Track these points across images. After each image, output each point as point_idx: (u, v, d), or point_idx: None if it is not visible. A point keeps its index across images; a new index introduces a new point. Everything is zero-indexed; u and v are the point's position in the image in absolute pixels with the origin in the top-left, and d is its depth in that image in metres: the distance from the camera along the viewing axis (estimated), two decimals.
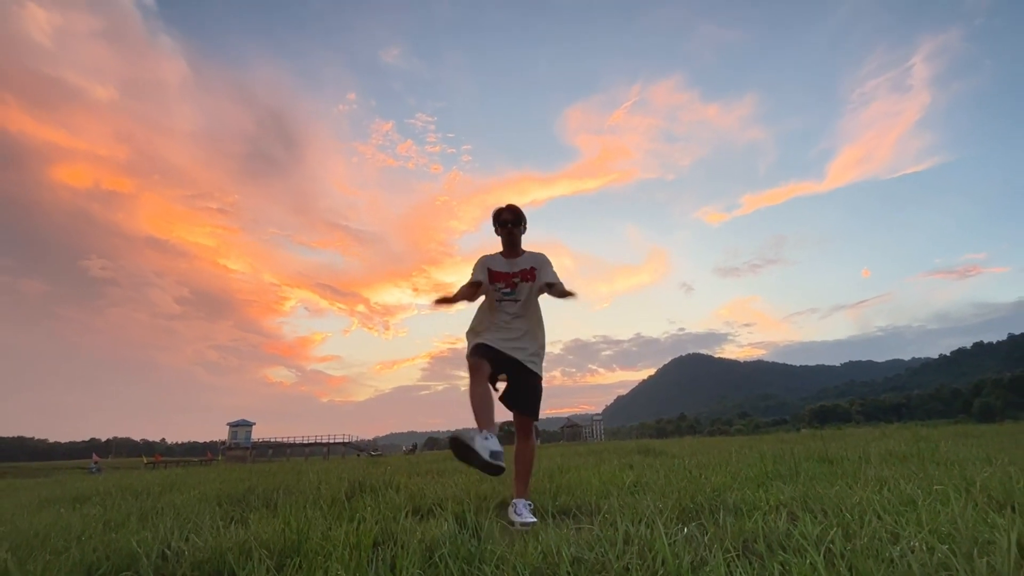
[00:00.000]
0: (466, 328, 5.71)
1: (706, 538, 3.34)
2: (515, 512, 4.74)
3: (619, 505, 4.70)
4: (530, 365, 5.32)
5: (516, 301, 5.51)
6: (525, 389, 5.32)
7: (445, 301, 5.39)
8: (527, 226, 5.85)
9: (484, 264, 5.68)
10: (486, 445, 4.27)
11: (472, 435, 4.34)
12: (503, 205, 5.77)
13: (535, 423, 5.40)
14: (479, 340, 5.35)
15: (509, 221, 5.66)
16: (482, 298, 5.70)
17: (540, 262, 5.64)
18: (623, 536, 3.35)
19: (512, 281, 5.55)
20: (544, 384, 5.39)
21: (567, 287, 5.28)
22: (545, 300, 5.49)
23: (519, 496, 4.96)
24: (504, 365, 5.28)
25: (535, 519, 4.60)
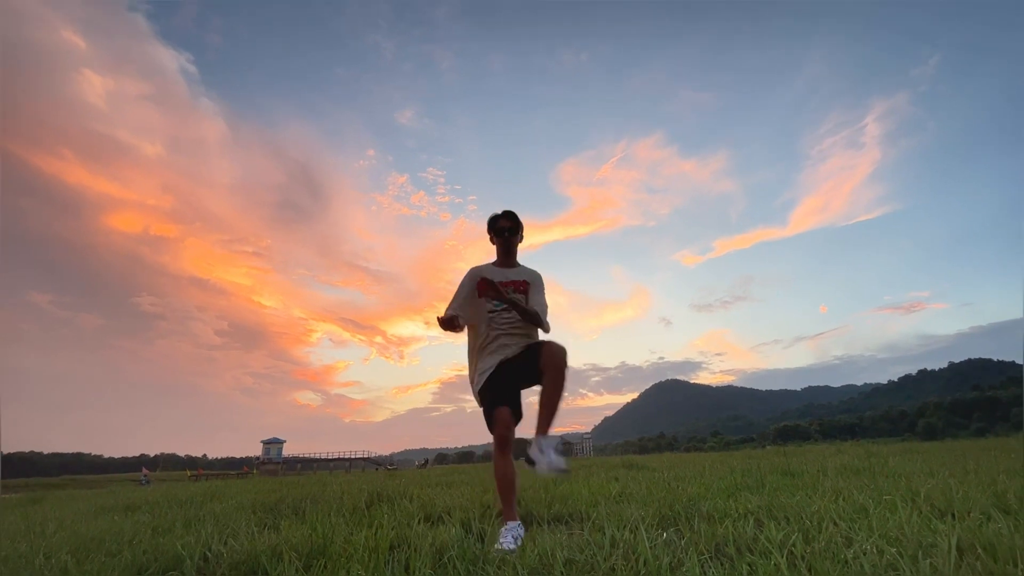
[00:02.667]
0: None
1: (683, 542, 3.34)
2: (540, 450, 3.89)
3: (606, 513, 4.65)
4: (534, 339, 4.68)
5: (508, 311, 4.70)
6: (535, 345, 4.51)
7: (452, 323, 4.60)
8: (523, 235, 5.07)
9: (475, 275, 4.79)
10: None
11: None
12: (499, 212, 4.97)
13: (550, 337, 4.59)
14: (485, 372, 4.58)
15: (507, 229, 4.90)
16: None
17: (535, 279, 4.95)
18: (610, 540, 3.35)
19: (503, 292, 4.58)
20: None
21: (548, 321, 4.76)
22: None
23: (543, 433, 4.04)
24: (518, 382, 4.52)
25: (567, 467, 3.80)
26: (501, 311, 4.72)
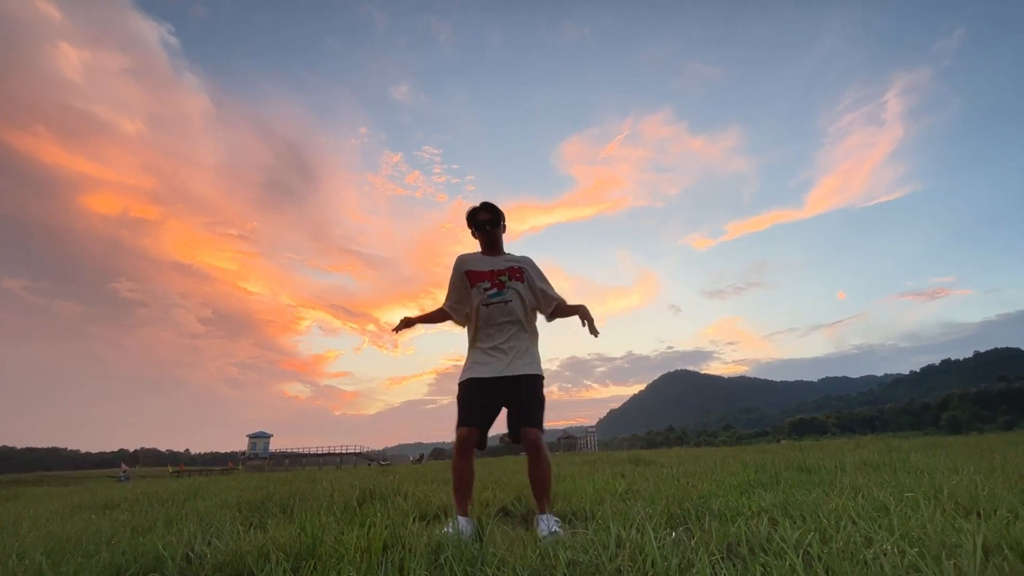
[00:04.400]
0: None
1: (693, 542, 3.33)
2: (542, 526, 4.09)
3: (612, 511, 4.65)
4: (529, 369, 4.62)
5: (507, 303, 4.71)
6: (528, 398, 4.51)
7: (407, 323, 4.98)
8: (506, 225, 5.02)
9: (461, 266, 4.89)
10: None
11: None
12: (476, 204, 4.95)
13: (542, 433, 4.48)
14: (468, 375, 4.67)
15: (488, 222, 4.87)
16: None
17: (529, 263, 4.95)
18: (615, 540, 3.34)
19: (498, 280, 4.76)
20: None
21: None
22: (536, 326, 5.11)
23: (543, 512, 4.34)
24: (497, 401, 4.58)
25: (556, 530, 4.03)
26: (496, 302, 4.73)
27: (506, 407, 4.56)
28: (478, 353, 4.74)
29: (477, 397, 4.56)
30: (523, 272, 4.86)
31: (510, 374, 4.57)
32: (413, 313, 5.26)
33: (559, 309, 4.89)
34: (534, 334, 4.95)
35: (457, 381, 4.77)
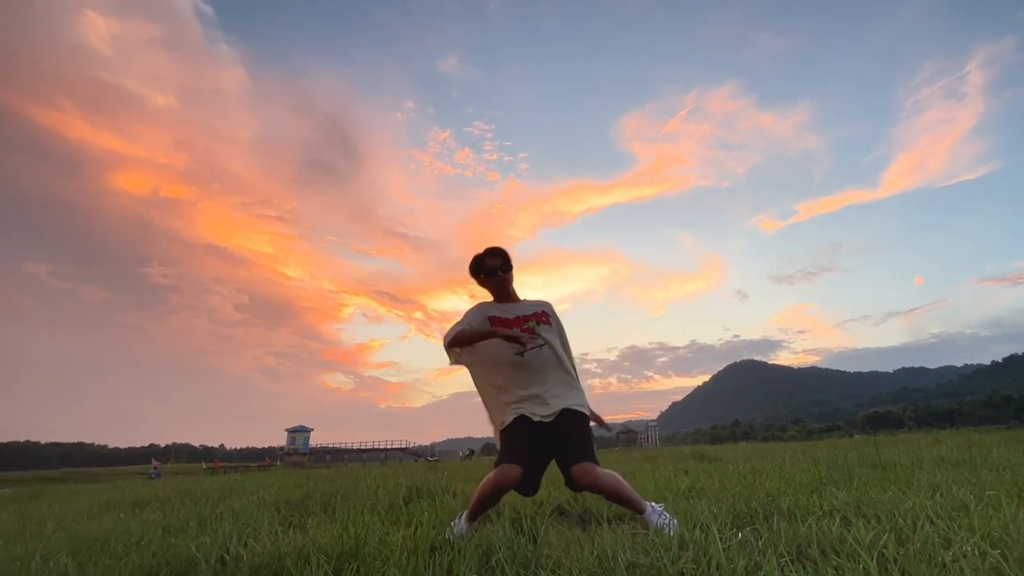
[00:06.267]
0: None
1: (760, 543, 3.38)
2: (652, 519, 4.12)
3: (674, 510, 4.65)
4: (575, 407, 4.47)
5: (541, 347, 4.56)
6: (576, 434, 4.34)
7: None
8: (513, 274, 4.88)
9: (483, 311, 4.78)
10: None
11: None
12: (481, 251, 4.81)
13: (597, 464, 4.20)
14: (517, 413, 4.49)
15: (497, 268, 4.74)
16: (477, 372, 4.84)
17: (551, 309, 4.88)
18: (678, 541, 3.36)
19: (526, 325, 4.65)
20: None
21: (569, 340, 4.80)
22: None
23: (643, 511, 4.21)
24: (546, 456, 4.44)
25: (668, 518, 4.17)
26: (532, 348, 4.57)
27: (555, 457, 4.42)
28: (520, 401, 4.57)
29: (526, 436, 4.39)
30: (547, 316, 4.80)
31: (559, 408, 4.45)
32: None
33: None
34: (575, 377, 4.81)
35: (495, 428, 4.73)
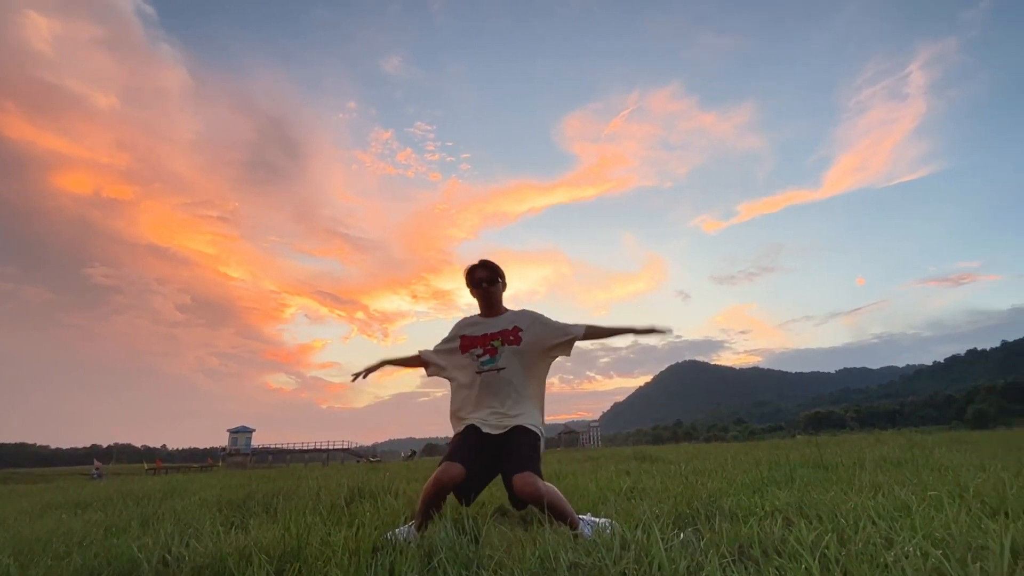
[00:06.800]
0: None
1: (702, 543, 3.32)
2: (586, 531, 3.91)
3: (616, 510, 4.67)
4: (529, 426, 4.52)
5: (499, 370, 4.64)
6: (523, 447, 4.35)
7: (371, 370, 5.07)
8: (506, 282, 5.00)
9: (458, 330, 4.98)
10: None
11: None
12: (475, 262, 4.94)
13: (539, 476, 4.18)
14: (464, 423, 4.63)
15: (484, 280, 4.84)
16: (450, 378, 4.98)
17: (529, 320, 4.86)
18: (620, 541, 3.31)
19: (491, 345, 4.73)
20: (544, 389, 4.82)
21: (580, 324, 4.77)
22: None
23: (575, 527, 3.99)
24: (493, 463, 4.45)
25: (595, 520, 4.18)
26: (488, 371, 4.68)
27: (500, 469, 4.43)
28: (476, 410, 4.67)
29: (473, 442, 4.46)
30: (519, 332, 4.78)
31: (509, 425, 4.51)
32: (391, 355, 5.17)
33: (593, 334, 4.80)
34: (536, 399, 4.82)
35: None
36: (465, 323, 5.00)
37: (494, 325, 4.84)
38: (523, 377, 4.72)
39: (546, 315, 4.93)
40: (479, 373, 4.69)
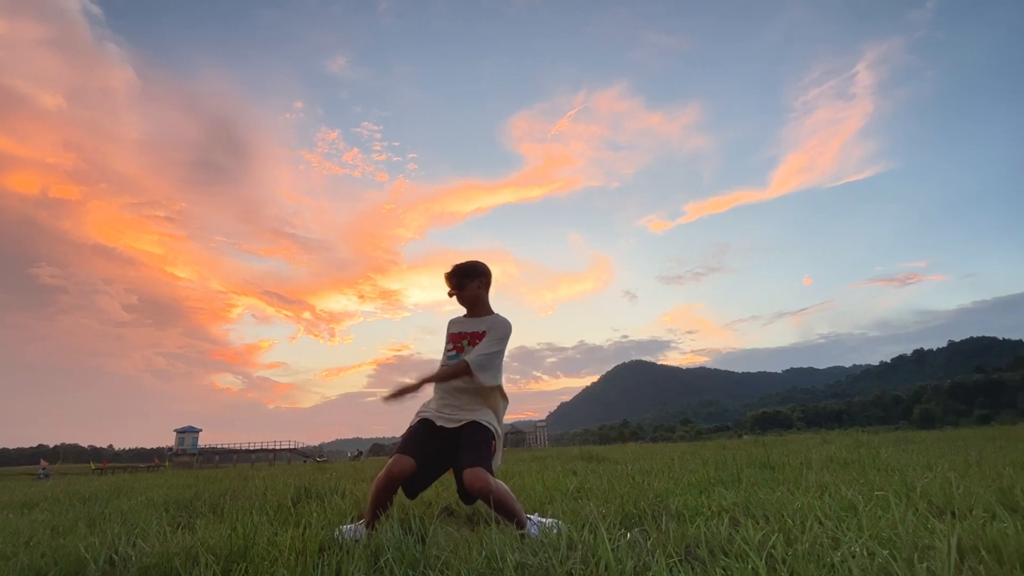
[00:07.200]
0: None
1: (649, 543, 3.30)
2: (532, 531, 3.96)
3: (563, 510, 4.68)
4: (483, 422, 4.51)
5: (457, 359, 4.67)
6: (476, 442, 4.36)
7: (406, 391, 4.52)
8: (485, 282, 4.97)
9: (449, 327, 5.03)
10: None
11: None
12: (449, 268, 4.97)
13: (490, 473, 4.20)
14: (422, 415, 4.68)
15: (451, 288, 4.92)
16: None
17: (492, 327, 4.82)
18: (567, 541, 3.29)
19: (460, 343, 4.81)
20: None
21: (483, 371, 4.56)
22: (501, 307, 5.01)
23: (523, 527, 4.04)
24: (441, 461, 4.47)
25: (543, 520, 4.24)
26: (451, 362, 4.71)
27: (451, 464, 4.46)
28: (433, 404, 4.72)
29: (422, 434, 4.50)
30: (484, 336, 4.78)
31: (461, 420, 4.52)
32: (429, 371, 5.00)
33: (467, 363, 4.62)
34: (492, 399, 4.75)
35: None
36: (453, 321, 5.02)
37: (471, 326, 4.87)
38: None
39: (502, 333, 4.81)
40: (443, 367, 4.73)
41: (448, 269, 4.96)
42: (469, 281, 4.88)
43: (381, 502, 4.18)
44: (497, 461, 4.49)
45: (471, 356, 4.56)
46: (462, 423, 4.50)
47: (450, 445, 4.44)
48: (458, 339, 4.81)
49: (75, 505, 7.58)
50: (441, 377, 4.57)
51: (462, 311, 4.94)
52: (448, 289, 4.91)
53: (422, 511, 4.76)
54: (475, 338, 4.75)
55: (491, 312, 4.96)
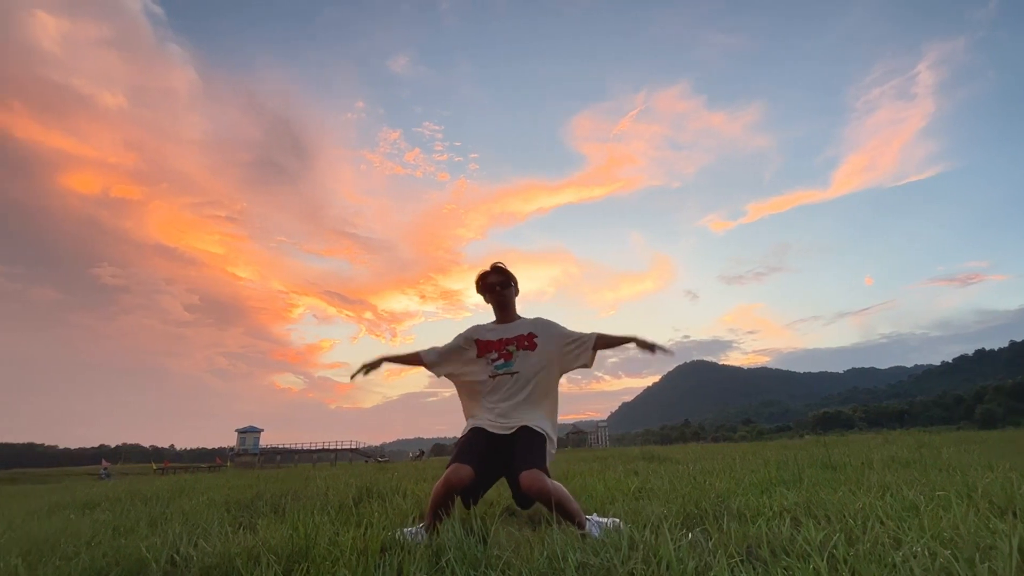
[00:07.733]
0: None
1: (710, 543, 3.31)
2: (593, 532, 3.88)
3: (624, 511, 4.65)
4: (535, 427, 4.49)
5: (513, 374, 4.69)
6: (530, 445, 4.34)
7: (373, 366, 4.99)
8: (519, 287, 5.07)
9: (472, 334, 4.97)
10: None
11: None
12: (487, 268, 5.02)
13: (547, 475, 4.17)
14: (473, 423, 4.65)
15: (497, 284, 4.91)
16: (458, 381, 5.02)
17: (543, 327, 4.88)
18: (628, 541, 3.30)
19: (506, 350, 4.76)
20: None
21: (592, 332, 4.73)
22: (544, 314, 4.95)
23: (583, 527, 3.95)
24: (497, 468, 4.50)
25: (602, 520, 4.17)
26: (503, 374, 4.73)
27: (505, 469, 4.51)
28: (484, 415, 4.69)
29: (480, 443, 4.48)
30: (534, 338, 4.81)
31: (518, 425, 4.51)
32: (390, 352, 5.17)
33: (604, 342, 4.77)
34: (547, 404, 4.79)
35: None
36: (480, 328, 5.00)
37: (510, 331, 4.87)
38: (535, 382, 4.72)
39: (559, 323, 4.94)
40: (492, 377, 4.74)
41: (486, 268, 5.01)
42: (513, 283, 4.98)
43: (440, 509, 4.14)
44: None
45: (593, 333, 4.72)
46: (514, 428, 4.49)
47: (504, 451, 4.44)
48: (500, 346, 4.79)
49: (136, 505, 7.62)
50: (619, 341, 4.70)
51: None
52: (492, 282, 4.92)
53: (483, 511, 4.78)
54: (522, 341, 4.76)
55: (520, 316, 5.01)
